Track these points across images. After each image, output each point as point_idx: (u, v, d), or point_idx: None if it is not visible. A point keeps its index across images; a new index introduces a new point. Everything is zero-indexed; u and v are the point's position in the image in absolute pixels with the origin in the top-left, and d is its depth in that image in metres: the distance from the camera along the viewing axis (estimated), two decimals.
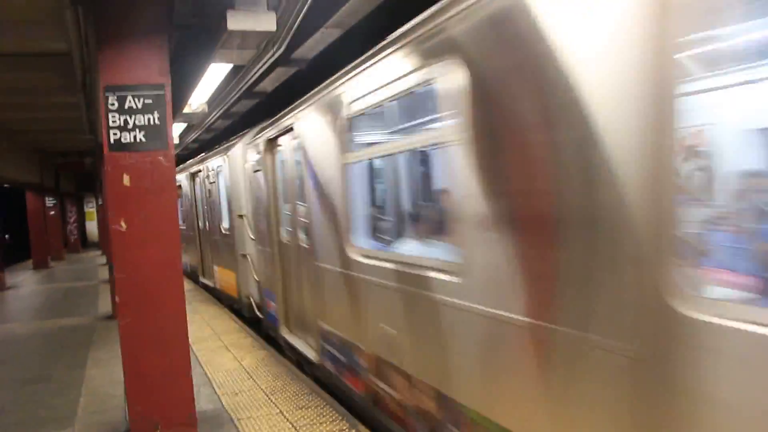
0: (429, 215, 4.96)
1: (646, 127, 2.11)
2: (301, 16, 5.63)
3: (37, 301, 13.98)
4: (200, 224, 13.18)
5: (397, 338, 4.27)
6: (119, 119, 4.79)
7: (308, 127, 5.96)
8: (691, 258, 2.29)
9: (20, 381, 7.19)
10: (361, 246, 4.98)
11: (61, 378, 7.09)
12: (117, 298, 4.86)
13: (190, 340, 5.11)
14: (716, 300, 2.08)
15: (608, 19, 2.25)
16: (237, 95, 8.45)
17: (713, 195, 3.30)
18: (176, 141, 16.52)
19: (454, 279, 3.44)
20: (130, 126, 4.81)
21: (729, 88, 3.20)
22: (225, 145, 10.56)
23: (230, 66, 7.21)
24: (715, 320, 1.93)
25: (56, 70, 7.95)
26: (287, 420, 5.31)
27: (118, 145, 4.79)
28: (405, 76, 3.83)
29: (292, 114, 6.54)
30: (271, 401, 5.81)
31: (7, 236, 30.75)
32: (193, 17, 5.93)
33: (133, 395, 4.90)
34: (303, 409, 5.55)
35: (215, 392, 6.19)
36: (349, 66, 4.92)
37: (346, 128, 4.93)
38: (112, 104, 4.77)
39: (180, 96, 8.35)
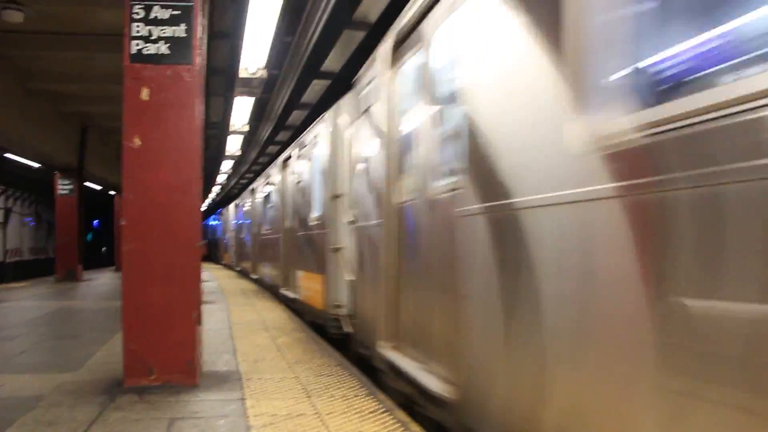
0: None
1: None
2: None
3: (106, 289, 14.20)
4: (287, 223, 10.67)
5: None
6: (143, 29, 4.46)
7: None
8: None
9: (57, 336, 7.28)
10: None
11: (92, 338, 6.80)
12: (122, 221, 4.44)
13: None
14: None
15: None
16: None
17: None
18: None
19: None
20: (154, 37, 4.47)
21: None
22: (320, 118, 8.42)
23: None
24: None
25: None
26: (299, 383, 4.64)
27: (139, 57, 4.46)
28: None
29: None
30: (291, 369, 5.17)
31: (104, 249, 32.43)
32: None
33: (129, 332, 4.42)
34: (322, 377, 4.87)
35: (235, 359, 5.63)
36: None
37: None
38: (137, 13, 4.46)
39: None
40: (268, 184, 13.14)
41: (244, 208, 19.16)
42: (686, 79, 1.85)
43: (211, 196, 34.23)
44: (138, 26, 4.45)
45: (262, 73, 8.56)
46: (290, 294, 9.92)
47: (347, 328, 6.64)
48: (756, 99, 1.42)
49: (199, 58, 4.56)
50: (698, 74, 1.81)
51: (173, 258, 4.45)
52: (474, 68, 3.03)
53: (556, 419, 2.29)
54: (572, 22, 2.17)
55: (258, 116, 12.96)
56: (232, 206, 24.52)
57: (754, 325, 1.44)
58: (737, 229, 1.50)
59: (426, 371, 3.82)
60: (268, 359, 5.61)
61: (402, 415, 3.86)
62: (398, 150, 4.60)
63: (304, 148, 9.00)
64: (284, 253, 10.70)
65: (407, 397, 4.13)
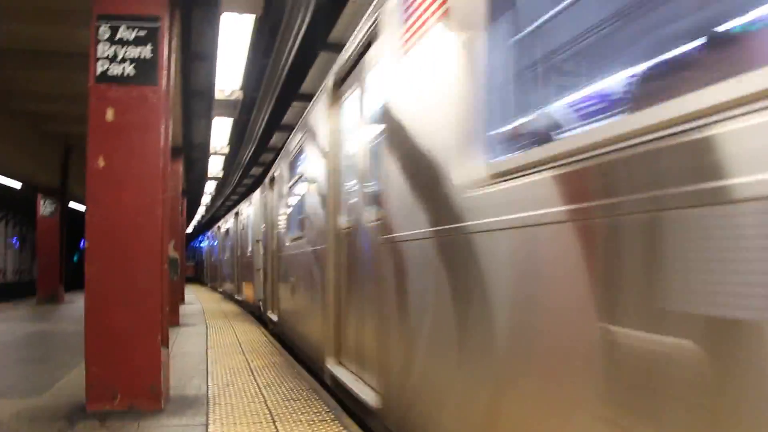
0: None
1: None
2: None
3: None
4: (238, 252, 14.80)
5: None
6: (109, 50, 4.44)
7: None
8: None
9: (26, 360, 7.09)
10: None
11: (62, 361, 6.67)
12: (86, 243, 4.37)
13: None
14: None
15: None
16: None
17: None
18: None
19: None
20: (120, 58, 4.45)
21: None
22: None
23: None
24: None
25: None
26: (267, 408, 4.56)
27: (105, 77, 4.43)
28: None
29: None
30: (261, 393, 5.09)
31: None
32: None
33: (91, 355, 4.33)
34: (291, 401, 4.79)
35: (206, 383, 5.54)
36: None
37: None
38: (103, 33, 4.44)
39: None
40: (226, 225, 18.97)
41: (216, 240, 24.56)
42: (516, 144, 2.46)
43: (197, 218, 34.05)
44: (104, 46, 4.43)
45: (238, 95, 8.55)
46: (239, 297, 15.18)
47: (261, 308, 11.12)
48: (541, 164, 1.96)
49: (165, 79, 4.54)
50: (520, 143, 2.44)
51: (137, 280, 4.39)
52: (385, 117, 3.57)
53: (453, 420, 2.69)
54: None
55: (239, 138, 12.94)
56: (209, 234, 30.20)
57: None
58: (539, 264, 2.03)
59: (361, 382, 4.41)
60: (239, 383, 5.52)
61: None
62: (338, 183, 5.26)
63: (240, 216, 14.44)
64: (237, 272, 16.52)
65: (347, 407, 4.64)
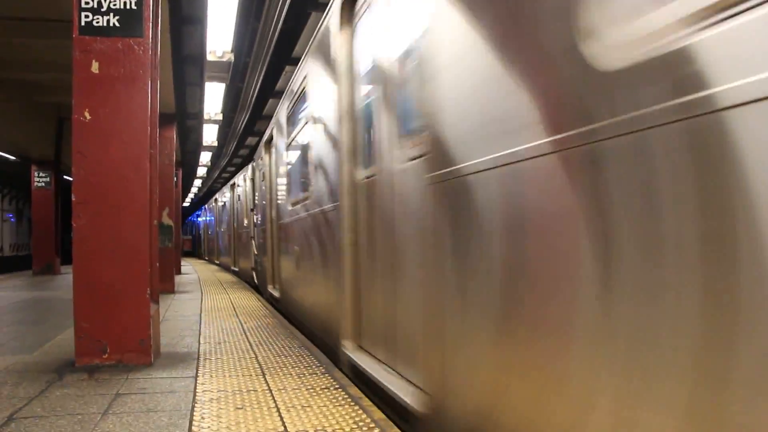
0: None
1: None
2: None
3: None
4: (234, 225, 16.37)
5: None
6: (92, 1, 4.35)
7: None
8: None
9: (19, 322, 7.12)
10: None
11: (55, 323, 6.69)
12: (73, 197, 4.33)
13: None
14: None
15: None
16: None
17: None
18: None
19: None
20: (104, 9, 4.36)
21: None
22: None
23: None
24: None
25: None
26: (258, 363, 4.56)
27: (89, 29, 4.34)
28: None
29: None
30: (252, 350, 5.09)
31: None
32: None
33: (80, 310, 4.31)
34: (282, 357, 4.79)
35: (197, 341, 5.54)
36: None
37: None
38: None
39: None
40: (222, 198, 20.23)
41: (212, 213, 25.17)
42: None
43: (194, 191, 33.97)
44: None
45: (230, 57, 8.45)
46: (235, 268, 16.09)
47: (254, 277, 11.56)
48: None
49: (151, 31, 4.46)
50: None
51: (125, 235, 4.35)
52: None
53: None
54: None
55: (233, 106, 12.81)
56: (205, 208, 30.74)
57: None
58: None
59: (395, 375, 3.51)
60: (231, 341, 5.52)
61: (355, 390, 3.79)
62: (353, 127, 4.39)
63: (237, 187, 15.68)
64: (234, 244, 17.05)
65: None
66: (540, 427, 1.82)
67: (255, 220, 11.54)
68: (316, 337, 5.65)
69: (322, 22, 4.96)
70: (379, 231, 3.75)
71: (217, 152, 20.12)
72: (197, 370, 4.30)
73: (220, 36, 8.13)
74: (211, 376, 4.13)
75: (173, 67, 8.86)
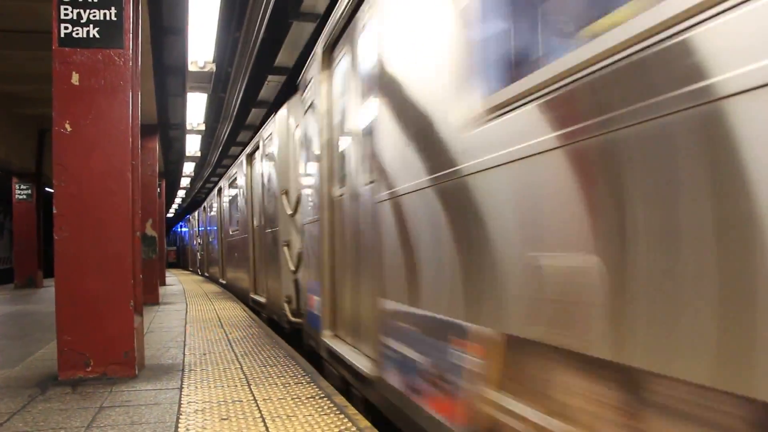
0: None
1: None
2: None
3: None
4: (221, 234, 14.30)
5: None
6: (72, 12, 4.34)
7: None
8: None
9: (3, 336, 7.02)
10: None
11: (37, 338, 6.61)
12: (54, 210, 4.30)
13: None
14: None
15: None
16: None
17: None
18: None
19: None
20: (84, 20, 4.35)
21: None
22: None
23: None
24: None
25: None
26: (243, 373, 4.54)
27: (69, 40, 4.33)
28: None
29: None
30: (237, 361, 5.07)
31: None
32: None
33: (62, 323, 4.27)
34: (267, 367, 4.78)
35: (182, 353, 5.51)
36: None
37: None
38: None
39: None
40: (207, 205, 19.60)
41: (197, 223, 25.08)
42: None
43: (177, 201, 33.76)
44: (66, 9, 4.33)
45: (211, 67, 8.45)
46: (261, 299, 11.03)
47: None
48: None
49: (132, 42, 4.45)
50: None
51: (108, 247, 4.33)
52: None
53: None
54: None
55: (216, 116, 12.78)
56: (193, 216, 29.43)
57: None
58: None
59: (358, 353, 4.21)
60: (216, 352, 5.50)
61: (341, 399, 3.80)
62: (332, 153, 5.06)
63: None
64: (222, 256, 15.75)
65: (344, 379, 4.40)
66: None
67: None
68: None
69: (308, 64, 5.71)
70: (348, 239, 4.45)
71: (201, 162, 20.04)
72: (182, 382, 4.28)
73: (201, 46, 8.12)
74: (196, 387, 4.11)
75: (155, 77, 8.83)
